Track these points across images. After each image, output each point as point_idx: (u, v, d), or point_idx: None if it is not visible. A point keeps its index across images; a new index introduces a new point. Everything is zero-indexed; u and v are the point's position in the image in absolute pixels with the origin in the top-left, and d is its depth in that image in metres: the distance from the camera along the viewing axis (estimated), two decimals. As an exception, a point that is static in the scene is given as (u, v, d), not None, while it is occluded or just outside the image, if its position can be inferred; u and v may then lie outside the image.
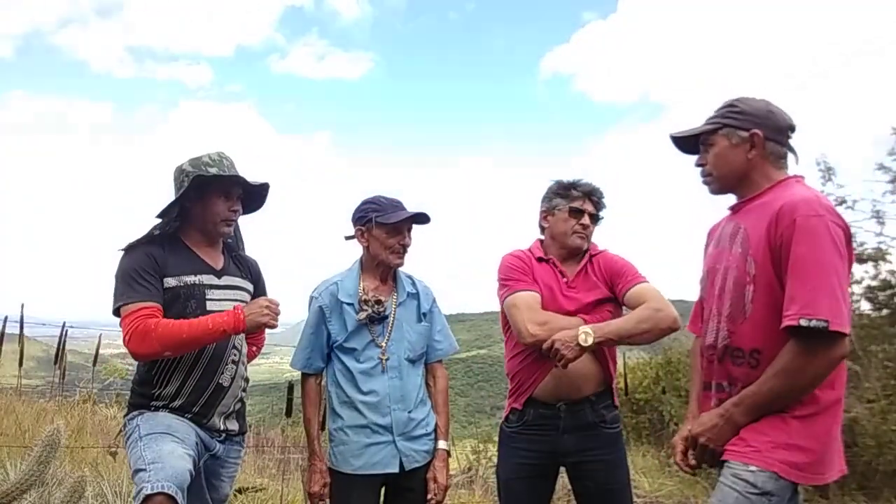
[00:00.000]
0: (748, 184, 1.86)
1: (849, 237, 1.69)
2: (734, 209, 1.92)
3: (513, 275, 2.41)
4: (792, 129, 1.88)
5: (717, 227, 2.00)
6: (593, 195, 2.46)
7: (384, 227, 2.34)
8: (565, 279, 2.42)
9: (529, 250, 2.52)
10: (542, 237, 2.56)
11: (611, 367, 2.41)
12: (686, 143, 2.00)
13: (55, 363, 5.89)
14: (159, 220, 2.22)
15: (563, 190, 2.48)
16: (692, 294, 2.09)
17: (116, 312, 2.07)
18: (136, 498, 1.82)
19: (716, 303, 1.84)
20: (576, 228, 2.42)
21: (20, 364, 5.38)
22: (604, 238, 2.54)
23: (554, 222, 2.48)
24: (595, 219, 2.48)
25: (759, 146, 1.82)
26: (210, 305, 2.16)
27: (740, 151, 1.84)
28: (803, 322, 1.57)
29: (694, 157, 2.00)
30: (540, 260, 2.47)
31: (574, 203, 2.43)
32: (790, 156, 1.89)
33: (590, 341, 2.14)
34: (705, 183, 1.95)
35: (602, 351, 2.33)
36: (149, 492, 1.78)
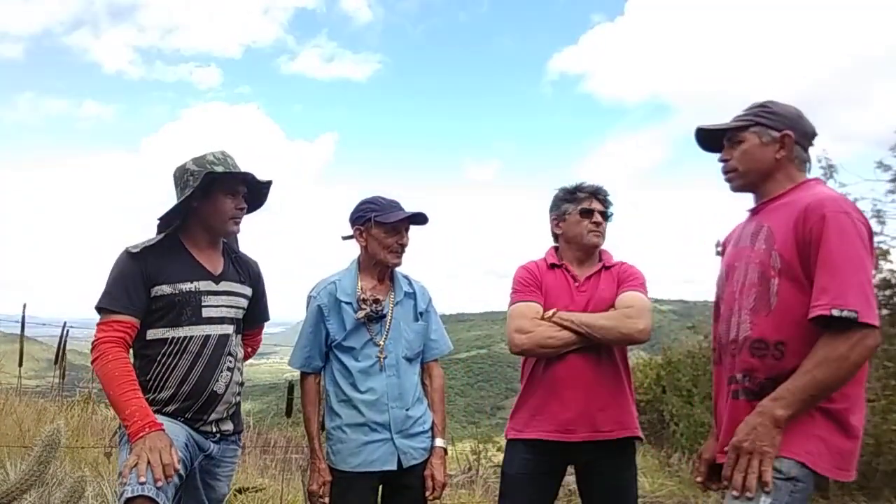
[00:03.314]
0: (771, 183, 1.89)
1: (871, 235, 1.73)
2: (755, 210, 1.94)
3: (518, 286, 2.52)
4: (815, 136, 1.93)
5: (733, 232, 2.01)
6: (599, 194, 2.55)
7: (383, 227, 2.35)
8: (577, 283, 2.49)
9: (544, 259, 2.60)
10: (557, 244, 2.63)
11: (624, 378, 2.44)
12: (709, 139, 2.01)
13: (55, 363, 5.89)
14: (160, 222, 2.21)
15: (569, 195, 2.56)
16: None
17: (98, 310, 2.09)
18: (118, 502, 1.85)
19: (736, 298, 1.84)
20: (589, 227, 2.50)
21: (20, 364, 5.38)
22: (608, 239, 2.58)
23: (567, 227, 2.54)
24: (605, 216, 2.55)
25: (788, 147, 1.86)
26: (206, 312, 2.15)
27: (769, 150, 1.87)
28: (835, 312, 1.58)
29: (707, 154, 2.03)
30: (553, 266, 2.55)
31: (583, 204, 2.52)
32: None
33: (550, 314, 2.35)
34: (728, 179, 1.97)
35: (619, 371, 2.41)
36: (129, 495, 1.80)
